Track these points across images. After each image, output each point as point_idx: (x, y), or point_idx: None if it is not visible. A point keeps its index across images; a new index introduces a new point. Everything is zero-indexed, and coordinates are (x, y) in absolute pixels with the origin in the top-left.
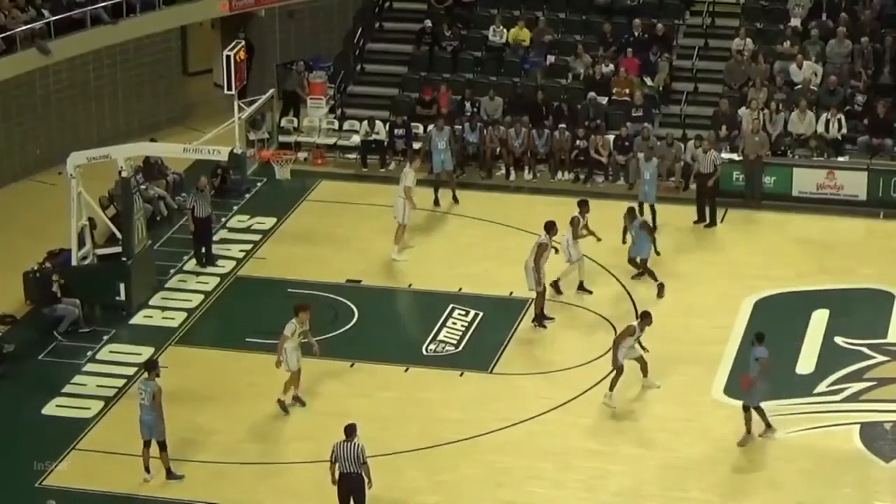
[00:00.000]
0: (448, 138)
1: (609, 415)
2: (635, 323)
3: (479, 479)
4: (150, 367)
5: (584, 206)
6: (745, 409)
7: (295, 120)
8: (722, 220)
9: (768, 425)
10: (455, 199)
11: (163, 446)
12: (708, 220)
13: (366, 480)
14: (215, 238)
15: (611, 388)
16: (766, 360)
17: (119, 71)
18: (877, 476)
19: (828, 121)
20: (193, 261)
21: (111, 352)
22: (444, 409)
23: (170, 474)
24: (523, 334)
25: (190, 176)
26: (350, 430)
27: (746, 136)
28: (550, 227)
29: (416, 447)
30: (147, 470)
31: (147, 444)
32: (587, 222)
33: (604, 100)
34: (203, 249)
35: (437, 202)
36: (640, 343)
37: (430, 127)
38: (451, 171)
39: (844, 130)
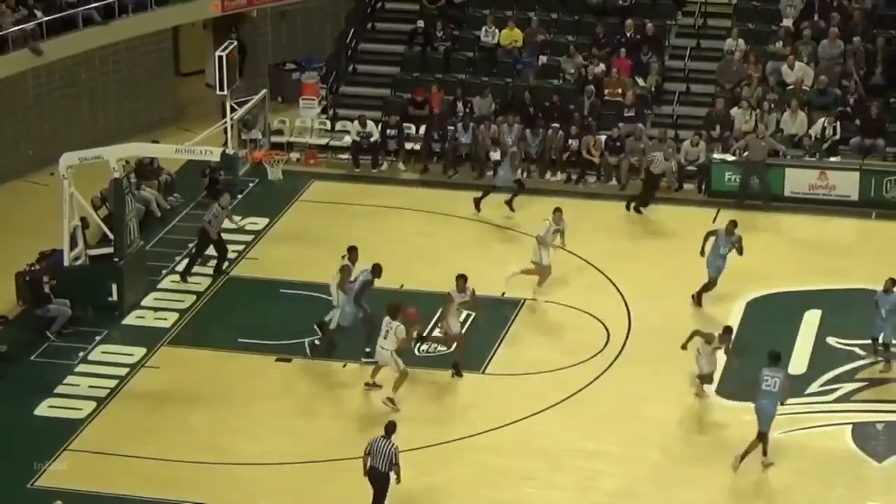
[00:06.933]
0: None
1: (602, 415)
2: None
3: (472, 479)
4: (774, 356)
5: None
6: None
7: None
8: (714, 221)
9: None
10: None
11: (762, 436)
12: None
13: (393, 478)
14: None
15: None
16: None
17: (111, 71)
18: (869, 476)
19: (824, 128)
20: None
21: (103, 352)
22: (437, 409)
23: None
24: (515, 334)
25: (182, 176)
26: (389, 429)
27: (752, 141)
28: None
29: (409, 447)
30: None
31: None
32: None
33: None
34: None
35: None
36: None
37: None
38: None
39: (837, 136)
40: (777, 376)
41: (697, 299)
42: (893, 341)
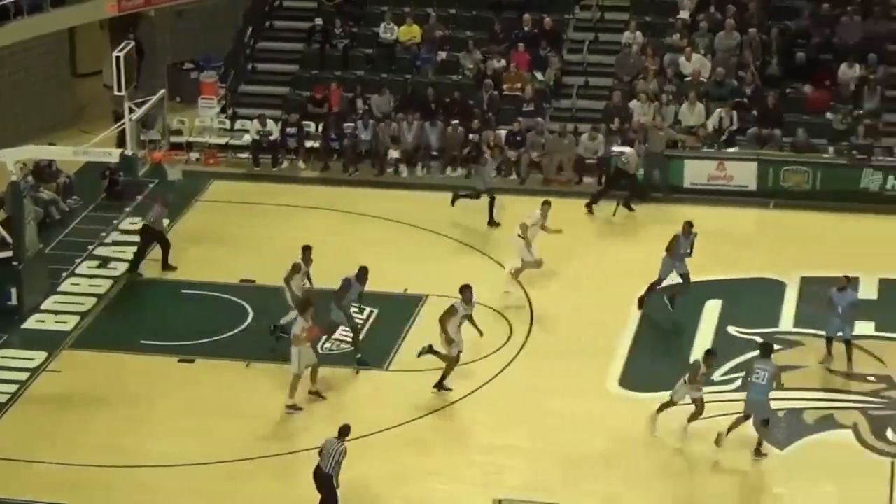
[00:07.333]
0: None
1: (508, 410)
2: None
3: (377, 476)
4: (766, 349)
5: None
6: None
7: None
8: (614, 214)
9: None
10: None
11: (765, 423)
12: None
13: (334, 480)
14: (107, 241)
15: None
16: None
17: (7, 73)
18: (772, 464)
19: (721, 118)
20: (88, 263)
21: (3, 357)
22: (342, 406)
23: (758, 452)
24: (419, 331)
25: (81, 178)
26: (343, 431)
27: (652, 132)
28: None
29: (314, 446)
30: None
31: (747, 419)
32: None
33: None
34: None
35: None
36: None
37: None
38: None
39: (735, 127)
40: (766, 369)
41: (655, 289)
42: (849, 336)
